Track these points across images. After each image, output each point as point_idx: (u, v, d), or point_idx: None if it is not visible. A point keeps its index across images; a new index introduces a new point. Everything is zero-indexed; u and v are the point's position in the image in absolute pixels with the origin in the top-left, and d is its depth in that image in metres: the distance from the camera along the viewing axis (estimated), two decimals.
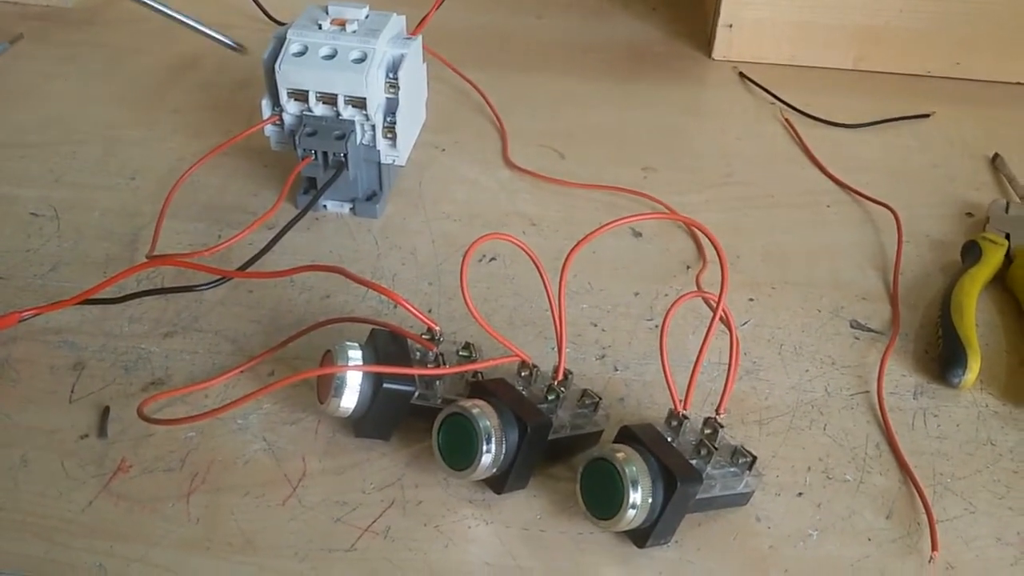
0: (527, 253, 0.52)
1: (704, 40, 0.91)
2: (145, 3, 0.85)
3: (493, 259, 0.65)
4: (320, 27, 0.64)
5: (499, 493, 0.50)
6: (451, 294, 0.62)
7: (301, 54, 0.63)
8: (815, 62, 0.87)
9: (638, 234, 0.68)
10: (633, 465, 0.45)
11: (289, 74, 0.63)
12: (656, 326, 0.60)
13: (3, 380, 0.56)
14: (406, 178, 0.72)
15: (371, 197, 0.69)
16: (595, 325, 0.61)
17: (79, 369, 0.57)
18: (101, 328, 0.59)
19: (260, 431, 0.53)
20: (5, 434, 0.53)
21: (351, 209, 0.69)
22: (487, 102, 0.81)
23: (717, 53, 0.88)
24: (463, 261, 0.50)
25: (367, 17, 0.65)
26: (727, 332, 0.49)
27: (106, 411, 0.54)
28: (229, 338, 0.59)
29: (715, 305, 0.48)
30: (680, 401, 0.48)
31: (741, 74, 0.86)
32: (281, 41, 0.64)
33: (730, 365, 0.48)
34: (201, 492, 0.50)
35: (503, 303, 0.62)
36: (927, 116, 0.81)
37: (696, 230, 0.67)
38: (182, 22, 0.85)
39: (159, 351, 0.58)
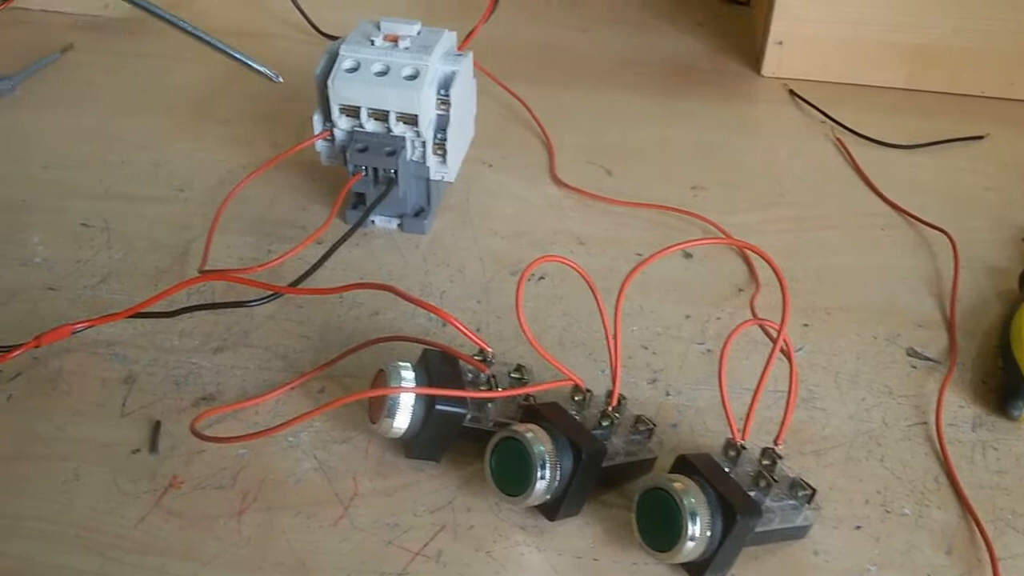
0: (583, 277, 0.51)
1: (752, 56, 0.90)
2: (191, 32, 0.85)
3: (542, 278, 0.65)
4: (372, 43, 0.64)
5: (552, 520, 0.49)
6: (499, 313, 0.62)
7: (354, 70, 0.63)
8: (866, 80, 0.86)
9: (688, 255, 0.67)
10: (692, 496, 0.45)
11: (341, 90, 0.63)
12: (708, 350, 0.60)
13: (56, 392, 0.56)
14: (453, 194, 0.72)
15: (419, 213, 0.69)
16: (646, 348, 0.60)
17: (130, 383, 0.57)
18: (152, 341, 0.59)
19: (311, 449, 0.53)
20: (58, 447, 0.53)
21: (399, 225, 0.69)
22: (533, 117, 0.81)
23: (766, 70, 0.87)
24: (518, 285, 0.50)
25: (419, 33, 0.65)
26: (784, 359, 0.49)
27: (157, 426, 0.54)
28: (279, 354, 0.59)
29: (775, 334, 0.47)
30: (739, 431, 0.48)
31: (791, 92, 0.85)
32: (333, 56, 0.64)
33: (789, 395, 0.47)
34: (253, 511, 0.50)
35: (552, 323, 0.61)
36: (981, 138, 0.79)
37: (749, 252, 0.66)
38: (226, 52, 0.85)
39: (210, 366, 0.58)
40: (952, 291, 0.64)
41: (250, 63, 0.85)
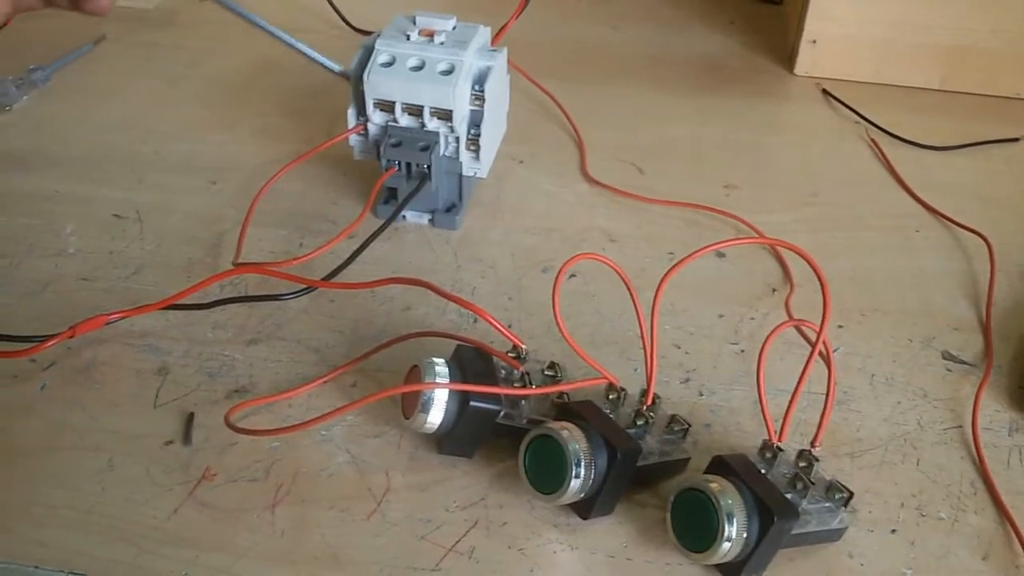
0: (619, 275, 0.51)
1: (785, 55, 0.89)
2: (256, 23, 0.85)
3: (573, 276, 0.64)
4: (408, 38, 0.64)
5: (585, 518, 0.49)
6: (531, 310, 0.62)
7: (389, 64, 0.63)
8: (900, 81, 0.85)
9: (721, 255, 0.67)
10: (728, 498, 0.44)
11: (377, 84, 0.63)
12: (742, 351, 0.59)
13: (89, 382, 0.56)
14: (484, 190, 0.72)
15: (450, 208, 0.69)
16: (678, 347, 0.60)
17: (163, 374, 0.57)
18: (185, 333, 0.59)
19: (344, 443, 0.53)
20: (92, 437, 0.53)
21: (430, 220, 0.69)
22: (565, 114, 0.81)
23: (799, 69, 0.87)
24: (556, 281, 0.50)
25: (454, 28, 0.65)
26: (820, 361, 0.48)
27: (191, 418, 0.54)
28: (312, 347, 0.59)
29: (813, 334, 0.47)
30: (775, 432, 0.47)
31: (824, 91, 0.84)
32: (369, 51, 0.64)
33: (827, 397, 0.47)
34: (286, 504, 0.50)
35: (584, 320, 0.61)
36: (1017, 140, 0.79)
37: (783, 250, 0.66)
38: (295, 47, 0.85)
39: (243, 358, 0.58)
40: (988, 294, 0.64)
41: (316, 56, 0.85)
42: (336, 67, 0.84)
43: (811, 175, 0.75)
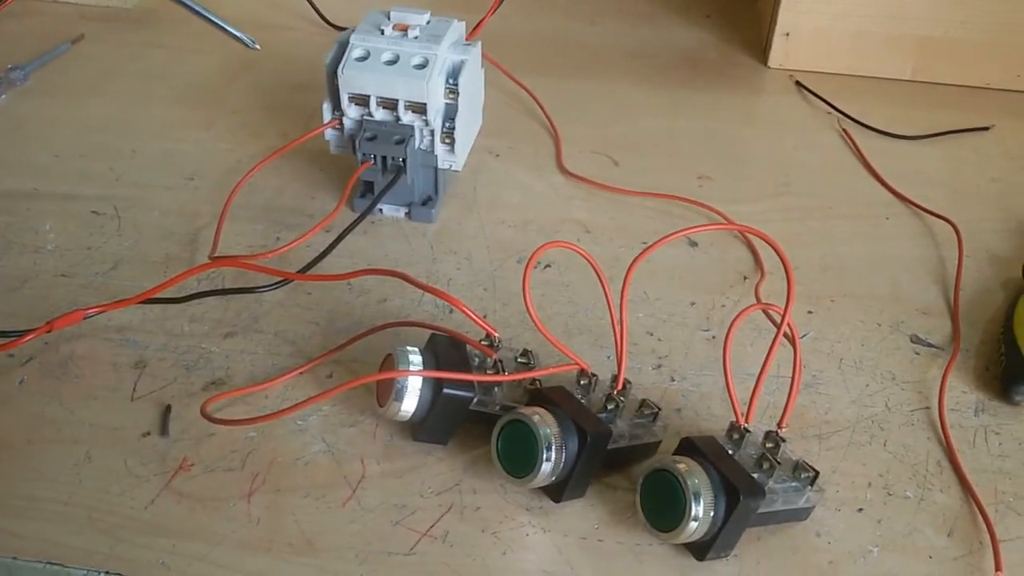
0: (589, 262, 0.52)
1: (759, 48, 0.90)
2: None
3: (548, 266, 0.65)
4: (382, 32, 0.64)
5: (557, 501, 0.50)
6: (506, 300, 0.63)
7: (363, 59, 0.63)
8: (872, 72, 0.86)
9: (694, 244, 0.67)
10: (695, 477, 0.45)
11: (351, 79, 0.63)
12: (713, 337, 0.60)
13: (67, 376, 0.57)
14: (461, 183, 0.73)
15: (427, 202, 0.69)
16: (651, 334, 0.60)
17: (141, 367, 0.57)
18: (162, 327, 0.60)
19: (319, 432, 0.54)
20: (69, 430, 0.54)
21: (407, 213, 0.69)
22: (541, 108, 0.81)
23: (773, 61, 0.87)
24: (526, 269, 0.50)
25: (428, 23, 0.66)
26: (788, 345, 0.49)
27: (168, 409, 0.55)
28: (288, 339, 0.59)
29: (780, 318, 0.48)
30: (742, 414, 0.48)
31: (798, 83, 0.85)
32: (344, 46, 0.64)
33: (793, 380, 0.48)
34: (262, 492, 0.51)
35: (558, 310, 0.62)
36: (987, 129, 0.80)
37: (754, 239, 0.67)
38: (202, 15, 0.85)
39: (219, 351, 0.58)
40: (956, 279, 0.65)
41: (227, 27, 0.85)
42: (249, 41, 0.85)
43: (784, 165, 0.76)
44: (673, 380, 0.57)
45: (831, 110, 0.82)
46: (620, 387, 0.51)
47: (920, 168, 0.76)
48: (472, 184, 0.73)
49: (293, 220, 0.68)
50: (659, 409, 0.51)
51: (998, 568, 0.47)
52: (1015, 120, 0.81)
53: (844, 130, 0.79)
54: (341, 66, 0.63)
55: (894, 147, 0.78)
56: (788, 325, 0.48)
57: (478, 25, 0.73)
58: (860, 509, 0.51)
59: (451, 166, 0.67)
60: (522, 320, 0.60)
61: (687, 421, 0.55)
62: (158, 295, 0.59)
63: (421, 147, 0.66)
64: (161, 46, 0.89)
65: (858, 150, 0.77)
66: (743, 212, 0.70)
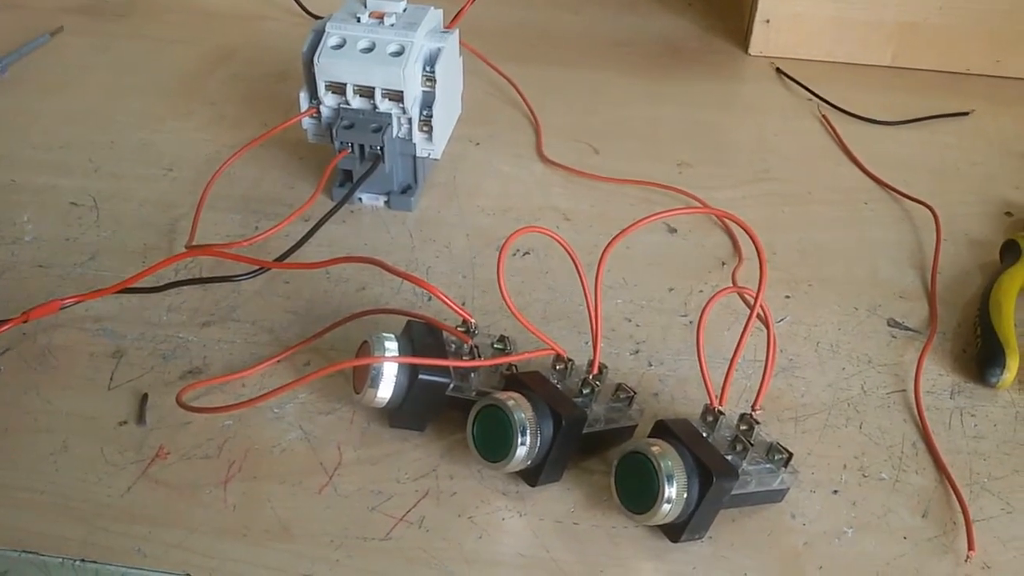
0: (563, 246, 0.52)
1: (740, 35, 0.90)
2: None
3: (527, 253, 0.65)
4: (359, 20, 0.64)
5: (533, 486, 0.50)
6: (485, 287, 0.62)
7: (339, 47, 0.63)
8: (853, 58, 0.86)
9: (673, 230, 0.68)
10: (668, 459, 0.45)
11: (327, 67, 0.63)
12: (691, 322, 0.60)
13: (44, 366, 0.57)
14: (440, 171, 0.72)
15: (406, 190, 0.69)
16: (629, 320, 0.60)
17: (118, 357, 0.57)
18: (140, 317, 0.60)
19: (296, 420, 0.54)
20: (46, 419, 0.54)
21: (386, 202, 0.69)
22: (521, 96, 0.81)
23: (753, 48, 0.87)
24: (500, 254, 0.50)
25: (405, 10, 0.65)
26: (763, 329, 0.49)
27: (144, 398, 0.55)
28: (266, 328, 0.59)
29: (753, 301, 0.48)
30: (716, 397, 0.48)
31: (778, 70, 0.85)
32: (320, 34, 0.64)
33: (767, 362, 0.48)
34: (238, 480, 0.51)
35: (537, 297, 0.62)
36: (966, 114, 0.80)
37: (732, 225, 0.67)
38: None
39: (197, 340, 0.58)
40: (934, 263, 0.65)
41: None
42: None
43: (763, 152, 0.76)
44: (651, 365, 0.57)
45: (811, 96, 0.82)
46: (595, 371, 0.51)
47: (899, 153, 0.76)
48: (452, 172, 0.73)
49: (272, 210, 0.68)
50: (635, 393, 0.52)
51: (971, 548, 0.48)
52: (994, 105, 0.81)
53: (824, 116, 0.80)
54: (317, 54, 0.63)
55: (874, 132, 0.78)
56: (761, 308, 0.48)
57: (459, 13, 0.73)
58: (835, 491, 0.51)
59: (429, 154, 0.67)
60: (501, 307, 0.60)
61: (664, 405, 0.55)
62: (135, 285, 0.59)
63: (399, 135, 0.66)
64: (140, 37, 0.89)
65: (837, 136, 0.77)
66: (723, 198, 0.70)
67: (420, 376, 0.50)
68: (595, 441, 0.51)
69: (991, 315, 0.58)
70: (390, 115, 0.64)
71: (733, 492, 0.46)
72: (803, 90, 0.83)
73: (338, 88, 0.64)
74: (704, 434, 0.48)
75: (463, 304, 0.61)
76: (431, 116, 0.64)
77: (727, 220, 0.67)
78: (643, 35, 0.92)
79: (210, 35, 0.89)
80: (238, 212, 0.68)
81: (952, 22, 0.83)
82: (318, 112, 0.66)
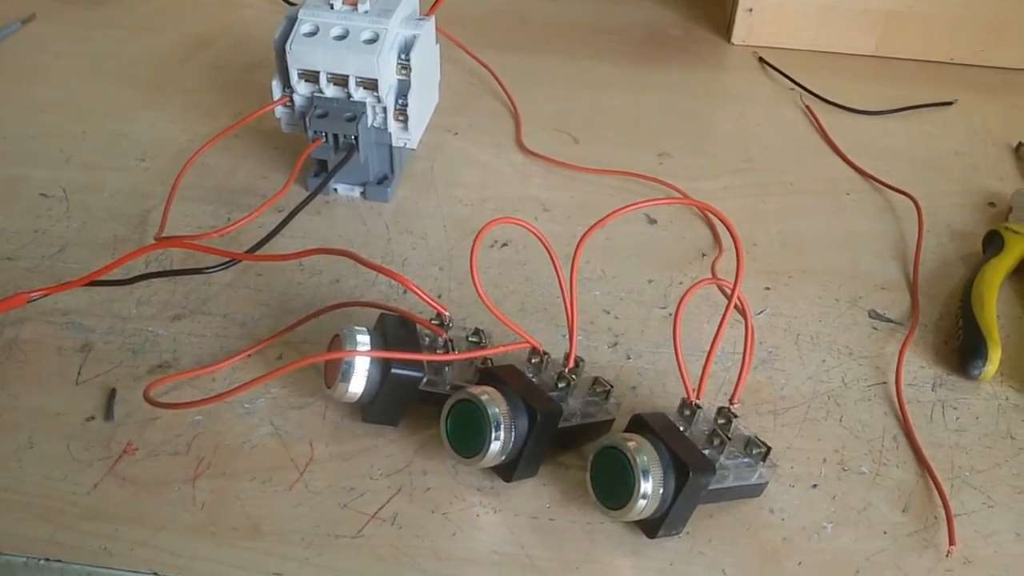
0: (538, 237, 0.51)
1: (723, 24, 0.89)
2: None
3: (505, 244, 0.64)
4: (332, 7, 0.63)
5: (508, 481, 0.49)
6: (462, 279, 0.62)
7: (312, 34, 0.62)
8: (836, 47, 0.85)
9: (652, 221, 0.67)
10: (644, 454, 0.44)
11: (300, 54, 0.62)
12: (670, 314, 0.59)
13: (10, 361, 0.55)
14: (418, 161, 0.71)
15: (382, 180, 0.68)
16: (607, 312, 0.60)
17: (86, 351, 0.56)
18: (109, 310, 0.59)
19: (267, 415, 0.53)
20: (11, 415, 0.52)
21: (362, 193, 0.68)
22: (501, 85, 0.80)
23: (736, 37, 0.87)
24: (473, 246, 0.49)
25: None
26: (742, 321, 0.48)
27: (112, 393, 0.54)
28: (237, 321, 0.58)
29: (730, 292, 0.47)
30: (693, 390, 0.47)
31: (760, 59, 0.84)
32: (292, 21, 0.63)
33: (745, 354, 0.47)
34: (207, 476, 0.50)
35: (514, 289, 0.61)
36: (950, 104, 0.79)
37: (712, 216, 0.66)
38: None
39: (167, 334, 0.57)
40: (916, 254, 0.64)
41: None
42: None
43: (745, 142, 0.75)
44: (629, 358, 0.57)
45: (794, 86, 0.81)
46: (571, 365, 0.50)
47: (882, 143, 0.75)
48: (430, 162, 0.72)
49: (245, 200, 0.67)
50: (611, 387, 0.51)
51: (952, 542, 0.47)
52: (978, 95, 0.80)
53: (807, 106, 0.79)
54: (289, 41, 0.62)
55: (856, 122, 0.77)
56: (739, 299, 0.47)
57: (437, 0, 0.72)
58: (815, 485, 0.50)
59: (405, 144, 0.65)
60: (477, 299, 0.59)
61: (642, 399, 0.54)
62: (104, 277, 0.58)
63: (374, 125, 0.64)
64: (114, 26, 0.87)
65: (820, 126, 0.76)
66: (704, 188, 0.70)
67: (392, 370, 0.50)
68: (571, 436, 0.50)
69: (973, 307, 0.57)
70: (364, 104, 0.63)
71: (710, 487, 0.45)
72: (786, 79, 0.82)
73: (311, 76, 0.63)
74: (681, 428, 0.47)
75: (439, 297, 0.60)
76: (406, 105, 0.63)
77: (703, 210, 0.66)
78: (625, 23, 0.91)
79: (186, 23, 0.87)
80: (210, 203, 0.67)
81: (936, 11, 0.82)
82: (291, 101, 0.65)
